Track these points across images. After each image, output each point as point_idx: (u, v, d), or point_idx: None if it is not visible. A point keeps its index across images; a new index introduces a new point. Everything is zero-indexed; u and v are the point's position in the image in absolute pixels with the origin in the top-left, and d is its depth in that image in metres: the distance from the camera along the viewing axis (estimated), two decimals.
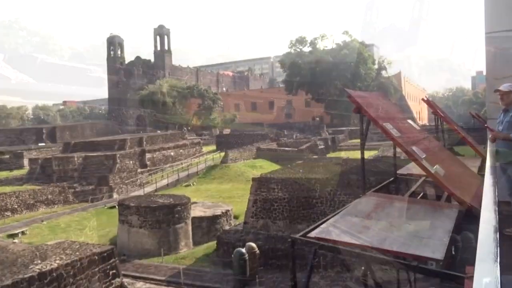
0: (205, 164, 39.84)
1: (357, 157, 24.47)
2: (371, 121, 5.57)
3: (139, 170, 37.72)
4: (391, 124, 5.61)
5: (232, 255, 14.79)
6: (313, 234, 4.24)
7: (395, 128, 5.56)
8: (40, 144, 59.80)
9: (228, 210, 22.41)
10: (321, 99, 73.99)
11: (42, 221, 24.30)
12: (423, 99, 11.73)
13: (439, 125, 11.10)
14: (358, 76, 68.94)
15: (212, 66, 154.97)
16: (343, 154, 38.52)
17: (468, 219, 4.76)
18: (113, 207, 26.51)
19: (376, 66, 76.26)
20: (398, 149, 6.21)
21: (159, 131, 63.81)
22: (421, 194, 6.87)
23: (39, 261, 11.33)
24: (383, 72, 77.81)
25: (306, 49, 74.43)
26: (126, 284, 13.33)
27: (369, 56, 72.73)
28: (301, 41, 73.76)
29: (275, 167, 34.66)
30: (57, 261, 11.35)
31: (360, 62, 68.45)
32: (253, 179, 18.20)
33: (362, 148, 5.96)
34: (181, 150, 45.07)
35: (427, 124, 73.52)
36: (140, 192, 31.75)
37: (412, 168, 7.45)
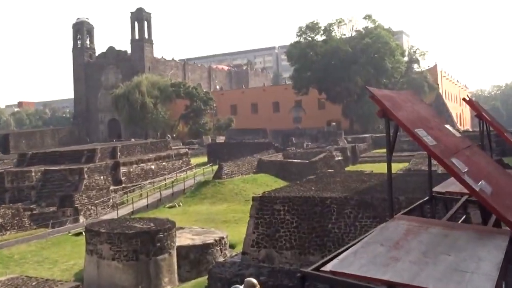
0: (194, 180, 39.83)
1: (383, 171, 24.46)
2: (400, 126, 5.57)
3: (111, 187, 37.69)
4: (425, 131, 5.61)
5: None
6: (328, 267, 4.23)
7: (429, 135, 5.55)
8: None
9: (223, 238, 22.36)
10: (338, 100, 74.22)
11: None
12: (464, 99, 11.75)
13: (484, 131, 11.10)
14: (383, 71, 69.20)
15: (203, 58, 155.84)
16: (366, 168, 38.48)
17: None
18: (79, 233, 26.45)
19: (406, 58, 76.55)
20: (433, 161, 6.20)
21: (133, 139, 63.90)
22: (463, 217, 6.85)
23: None
24: (415, 66, 78.13)
25: (319, 37, 74.87)
26: None
27: (397, 46, 73.05)
28: (312, 27, 74.17)
29: (280, 183, 34.58)
30: None
31: (386, 54, 68.75)
32: (254, 199, 18.17)
33: (389, 160, 5.95)
34: (164, 163, 45.08)
35: (470, 129, 73.55)
36: (113, 215, 31.69)
37: (452, 185, 7.44)
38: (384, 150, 6.51)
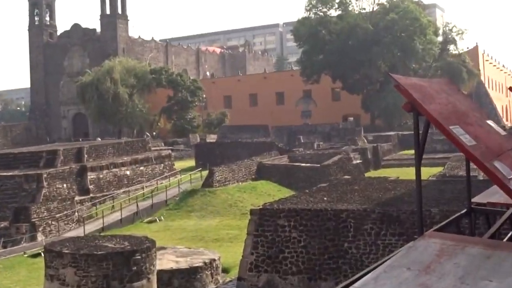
0: (178, 188, 39.80)
1: (411, 177, 24.43)
2: (431, 123, 5.59)
3: (77, 198, 37.65)
4: (462, 128, 5.62)
5: None
6: None
7: (468, 133, 5.57)
8: None
9: (214, 260, 22.35)
10: (357, 89, 74.17)
11: None
12: (511, 88, 11.78)
13: None
14: (412, 54, 69.18)
15: (190, 38, 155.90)
16: (391, 173, 38.48)
17: None
18: (37, 255, 26.43)
19: (440, 38, 76.48)
20: (473, 165, 6.22)
21: (99, 139, 63.79)
22: (509, 234, 6.86)
23: None
24: (451, 47, 78.06)
25: (333, 12, 74.88)
26: None
27: (430, 23, 73.02)
28: (325, 0, 74.14)
29: (285, 192, 34.55)
30: None
31: (416, 32, 68.74)
32: (252, 212, 18.19)
33: (418, 164, 5.97)
34: (141, 168, 45.04)
35: None
36: (78, 231, 31.64)
37: (495, 195, 7.45)
38: (413, 152, 6.55)
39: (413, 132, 5.96)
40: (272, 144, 52.89)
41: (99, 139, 63.94)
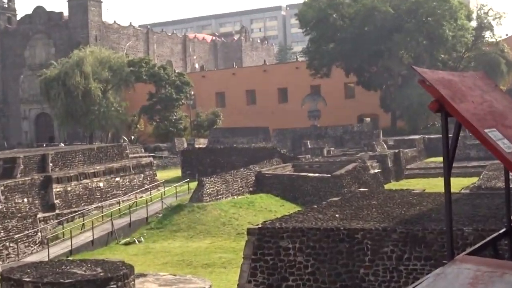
0: (161, 203, 39.75)
1: (440, 189, 24.37)
2: (463, 125, 5.59)
3: (40, 215, 37.56)
4: (500, 131, 5.62)
5: None
6: None
7: (506, 137, 5.57)
8: None
9: None
10: (374, 85, 74.19)
11: None
12: None
13: None
14: (440, 42, 69.31)
15: (176, 23, 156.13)
16: (415, 185, 38.46)
17: None
18: None
19: (473, 23, 76.52)
20: None
21: (62, 144, 63.67)
22: None
23: None
24: (487, 34, 78.10)
25: None
26: None
27: (461, 6, 73.11)
28: None
29: (289, 208, 34.53)
30: None
31: (445, 17, 68.83)
32: (250, 232, 18.17)
33: (448, 174, 5.97)
34: (117, 178, 44.97)
35: None
36: (42, 255, 31.55)
37: None
38: (441, 159, 6.55)
39: (441, 136, 5.95)
40: (273, 150, 52.84)
41: (62, 144, 63.79)
